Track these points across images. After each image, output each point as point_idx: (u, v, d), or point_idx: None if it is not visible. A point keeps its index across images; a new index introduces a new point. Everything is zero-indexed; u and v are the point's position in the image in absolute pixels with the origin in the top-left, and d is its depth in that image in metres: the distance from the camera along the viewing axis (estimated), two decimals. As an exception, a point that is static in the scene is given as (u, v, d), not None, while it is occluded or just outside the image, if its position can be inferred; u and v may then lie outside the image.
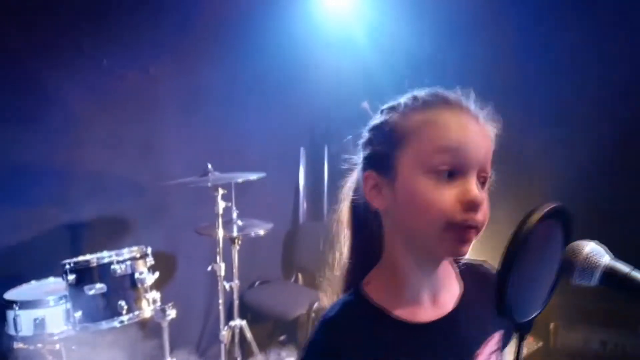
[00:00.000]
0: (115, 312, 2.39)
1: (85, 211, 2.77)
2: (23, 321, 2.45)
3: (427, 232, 0.84)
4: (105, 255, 2.42)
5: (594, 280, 0.76)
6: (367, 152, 0.94)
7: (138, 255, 2.49)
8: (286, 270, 4.20)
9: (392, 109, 0.92)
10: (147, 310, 2.47)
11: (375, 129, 0.94)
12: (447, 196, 0.82)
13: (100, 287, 2.38)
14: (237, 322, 3.05)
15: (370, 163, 0.93)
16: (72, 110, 2.91)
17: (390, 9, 3.90)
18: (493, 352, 0.98)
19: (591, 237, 0.80)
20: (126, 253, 2.46)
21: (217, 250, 2.75)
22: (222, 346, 2.80)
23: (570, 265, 0.78)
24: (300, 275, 4.20)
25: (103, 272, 2.41)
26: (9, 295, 2.53)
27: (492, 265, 1.06)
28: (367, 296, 0.93)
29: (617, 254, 0.78)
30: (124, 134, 3.05)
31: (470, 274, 1.02)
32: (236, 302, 3.06)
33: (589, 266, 0.76)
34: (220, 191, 2.68)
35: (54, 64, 2.81)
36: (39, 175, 2.77)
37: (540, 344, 3.11)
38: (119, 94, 3.05)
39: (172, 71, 3.21)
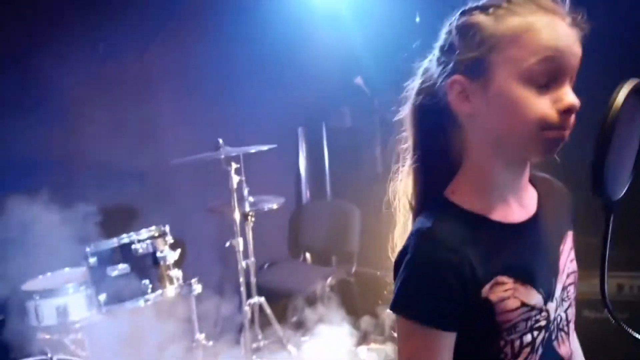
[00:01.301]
0: (140, 291, 2.37)
1: (92, 199, 2.73)
2: (45, 310, 2.42)
3: (522, 135, 0.85)
4: (125, 236, 2.39)
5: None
6: (453, 56, 0.89)
7: (157, 234, 2.46)
8: (293, 250, 4.19)
9: (481, 10, 0.87)
10: (170, 288, 2.44)
11: (461, 32, 0.88)
12: (543, 102, 0.83)
13: (123, 267, 2.35)
14: (256, 299, 3.04)
15: (457, 68, 0.88)
16: (70, 98, 2.86)
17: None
18: (571, 249, 1.01)
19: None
20: (145, 232, 2.43)
21: (235, 227, 2.73)
22: (246, 322, 2.79)
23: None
24: (308, 255, 4.21)
25: (125, 252, 2.38)
26: (28, 286, 2.49)
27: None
28: (457, 204, 0.93)
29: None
30: (122, 119, 3.02)
31: (537, 179, 1.03)
32: (253, 280, 3.05)
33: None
34: (234, 165, 2.66)
35: (49, 53, 2.76)
36: (43, 164, 2.73)
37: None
38: (114, 78, 3.01)
39: (166, 52, 3.18)
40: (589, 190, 0.83)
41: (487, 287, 0.86)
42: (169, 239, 2.51)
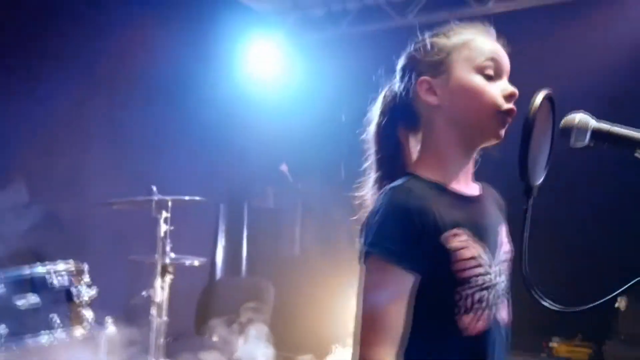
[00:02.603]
0: (47, 327, 2.21)
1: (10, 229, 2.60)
2: None
3: (479, 117, 1.11)
4: (40, 265, 2.28)
5: (587, 139, 1.02)
6: (417, 64, 1.17)
7: (74, 270, 2.36)
8: (199, 325, 4.05)
9: (432, 36, 1.18)
10: (79, 328, 2.31)
11: (420, 51, 1.18)
12: (493, 90, 1.11)
13: (33, 299, 2.21)
14: (164, 362, 2.91)
15: (422, 71, 1.15)
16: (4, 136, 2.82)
17: (312, 74, 4.32)
18: (506, 234, 1.22)
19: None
20: (62, 265, 2.33)
21: (155, 272, 2.68)
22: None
23: (568, 131, 1.03)
24: (215, 335, 4.07)
25: (37, 283, 2.25)
26: None
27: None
28: (420, 175, 1.13)
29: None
30: (52, 163, 2.98)
31: (478, 182, 1.26)
32: (162, 342, 2.93)
33: (582, 128, 1.02)
34: (164, 214, 2.68)
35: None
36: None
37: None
38: (50, 121, 3.01)
39: (105, 105, 3.25)
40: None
41: (446, 234, 1.04)
42: (86, 278, 2.42)
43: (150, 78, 3.55)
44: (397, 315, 1.02)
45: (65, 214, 2.88)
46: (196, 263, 2.93)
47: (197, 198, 2.75)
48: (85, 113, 3.20)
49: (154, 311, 2.75)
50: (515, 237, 1.26)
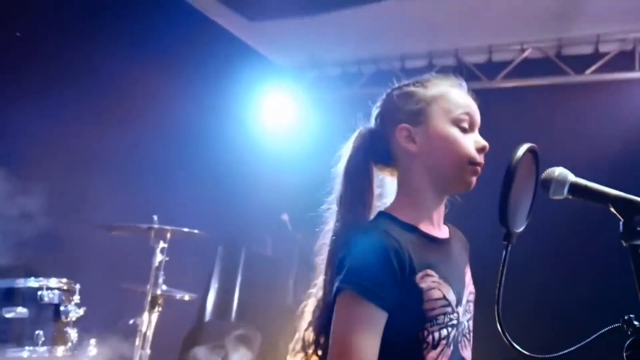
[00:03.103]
0: (30, 341, 2.22)
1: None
2: None
3: (453, 165, 1.18)
4: (34, 279, 2.31)
5: (565, 192, 1.08)
6: (396, 110, 1.25)
7: (66, 288, 2.39)
8: (182, 367, 3.99)
9: (411, 84, 1.26)
10: (64, 343, 2.31)
11: (401, 97, 1.26)
12: (468, 140, 1.19)
13: (21, 311, 2.23)
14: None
15: (401, 119, 1.23)
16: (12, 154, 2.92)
17: (323, 130, 4.44)
18: (470, 276, 1.27)
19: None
20: (55, 282, 2.36)
21: (145, 302, 2.69)
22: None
23: (548, 182, 1.09)
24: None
25: (27, 296, 2.27)
26: None
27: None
28: (394, 216, 1.18)
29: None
30: (59, 181, 3.06)
31: (447, 224, 1.32)
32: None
33: (560, 181, 1.08)
34: (161, 244, 2.73)
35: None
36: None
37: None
38: (66, 143, 3.12)
39: (118, 134, 3.36)
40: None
41: (419, 275, 1.09)
42: (76, 298, 2.43)
43: (166, 116, 3.68)
44: (370, 349, 1.05)
45: (64, 232, 2.92)
46: (186, 298, 2.94)
47: (196, 231, 2.79)
48: (99, 140, 3.30)
49: (138, 341, 2.73)
50: (479, 279, 1.31)
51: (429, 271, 1.10)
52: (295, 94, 4.79)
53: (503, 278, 1.11)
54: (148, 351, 2.91)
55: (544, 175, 1.11)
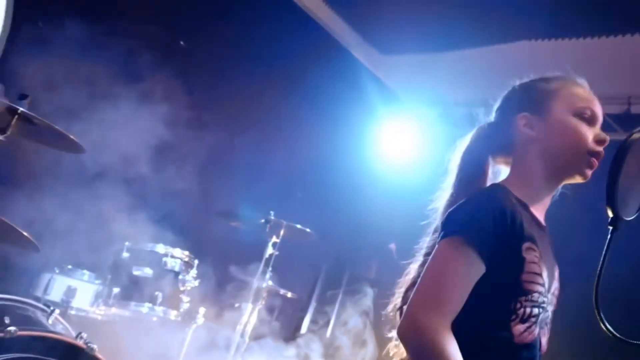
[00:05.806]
0: (149, 299, 2.48)
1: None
2: (56, 285, 2.52)
3: (571, 155, 1.19)
4: (162, 245, 2.59)
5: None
6: (518, 101, 1.29)
7: (187, 260, 2.65)
8: None
9: (538, 80, 1.31)
10: (177, 308, 2.54)
11: (522, 89, 1.31)
12: (588, 133, 1.20)
13: (147, 271, 2.50)
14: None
15: (521, 108, 1.26)
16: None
17: (441, 166, 4.45)
18: (558, 273, 1.25)
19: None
20: (179, 252, 2.62)
21: (250, 292, 2.88)
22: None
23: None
24: None
25: (154, 260, 2.55)
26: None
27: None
28: (511, 190, 1.20)
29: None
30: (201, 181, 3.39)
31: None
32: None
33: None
34: (274, 238, 2.92)
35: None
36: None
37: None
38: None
39: (252, 140, 3.68)
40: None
41: (525, 245, 1.10)
42: (194, 272, 2.68)
43: (295, 135, 3.98)
44: (460, 293, 1.05)
45: (194, 217, 3.23)
46: (289, 294, 3.08)
47: (308, 230, 2.94)
48: (237, 145, 3.64)
49: (239, 327, 2.90)
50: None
51: (534, 245, 1.11)
52: (418, 128, 4.88)
53: (604, 265, 1.09)
54: (247, 340, 3.07)
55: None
